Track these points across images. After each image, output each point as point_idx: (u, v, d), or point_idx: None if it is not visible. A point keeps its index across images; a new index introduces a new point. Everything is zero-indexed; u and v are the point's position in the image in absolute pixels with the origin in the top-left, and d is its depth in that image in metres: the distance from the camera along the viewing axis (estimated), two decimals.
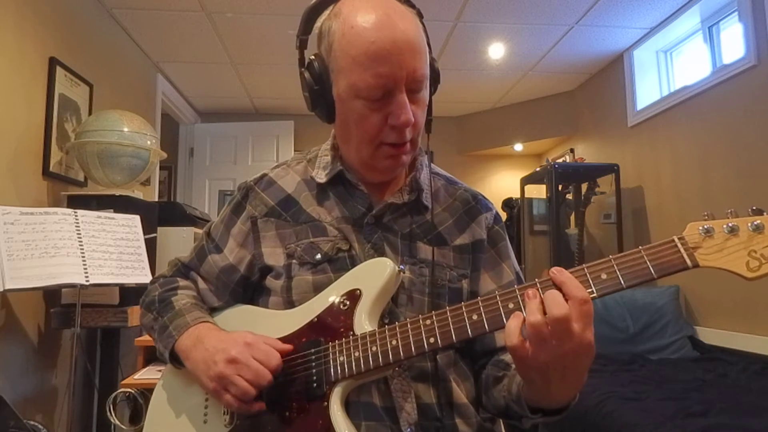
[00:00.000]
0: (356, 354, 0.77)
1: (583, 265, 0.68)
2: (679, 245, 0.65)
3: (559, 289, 0.66)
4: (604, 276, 0.66)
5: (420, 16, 0.85)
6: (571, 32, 3.30)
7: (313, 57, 0.85)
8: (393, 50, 0.77)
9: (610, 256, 0.67)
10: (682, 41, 3.34)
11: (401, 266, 0.85)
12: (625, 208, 3.53)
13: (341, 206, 0.91)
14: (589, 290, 0.66)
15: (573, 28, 3.24)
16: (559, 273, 0.66)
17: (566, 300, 0.64)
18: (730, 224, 0.63)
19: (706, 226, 0.64)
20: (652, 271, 0.65)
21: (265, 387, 0.78)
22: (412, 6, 0.85)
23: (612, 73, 3.78)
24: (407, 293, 0.85)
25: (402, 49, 0.77)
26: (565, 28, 3.25)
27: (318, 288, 0.86)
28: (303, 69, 0.86)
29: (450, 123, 5.02)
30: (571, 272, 0.67)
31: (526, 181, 4.04)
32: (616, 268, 0.66)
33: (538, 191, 4.02)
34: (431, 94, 0.88)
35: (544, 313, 0.64)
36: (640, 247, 0.66)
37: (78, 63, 2.63)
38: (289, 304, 0.88)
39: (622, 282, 0.65)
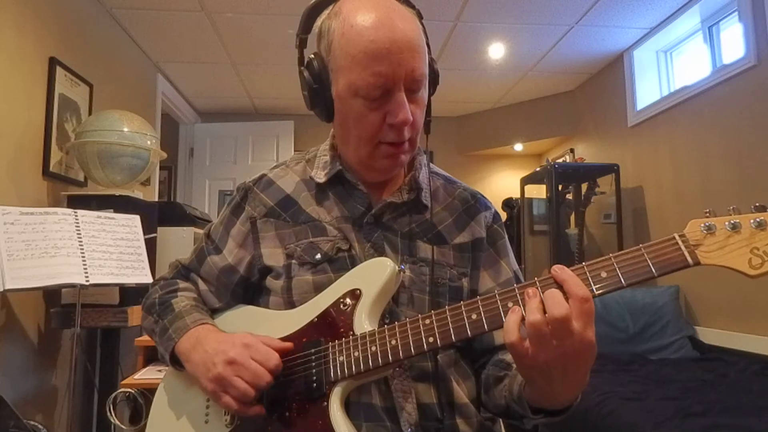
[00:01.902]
0: (356, 354, 0.76)
1: (583, 263, 0.67)
2: (680, 243, 0.64)
3: (560, 287, 0.65)
4: (604, 274, 0.66)
5: (420, 16, 0.85)
6: (571, 32, 3.30)
7: (312, 56, 0.85)
8: (392, 49, 0.77)
9: (610, 255, 0.66)
10: (682, 41, 3.33)
11: (401, 265, 0.85)
12: (625, 208, 3.53)
13: (341, 206, 0.91)
14: (590, 288, 0.65)
15: (573, 28, 3.24)
16: (560, 271, 0.66)
17: (567, 298, 0.64)
18: (732, 221, 0.62)
19: (707, 224, 0.63)
20: (653, 270, 0.64)
21: (264, 388, 0.78)
22: (412, 6, 0.86)
23: (612, 73, 3.77)
24: (408, 292, 0.85)
25: (401, 48, 0.78)
26: (565, 28, 3.25)
27: (318, 288, 0.85)
28: (302, 68, 0.87)
29: (450, 123, 5.02)
30: (571, 270, 0.66)
31: (526, 181, 4.04)
32: (616, 266, 0.65)
33: (538, 191, 4.02)
34: (430, 94, 0.88)
35: (545, 312, 0.63)
36: (641, 245, 0.65)
37: (78, 63, 2.63)
38: (290, 304, 0.88)
39: (623, 280, 0.65)
